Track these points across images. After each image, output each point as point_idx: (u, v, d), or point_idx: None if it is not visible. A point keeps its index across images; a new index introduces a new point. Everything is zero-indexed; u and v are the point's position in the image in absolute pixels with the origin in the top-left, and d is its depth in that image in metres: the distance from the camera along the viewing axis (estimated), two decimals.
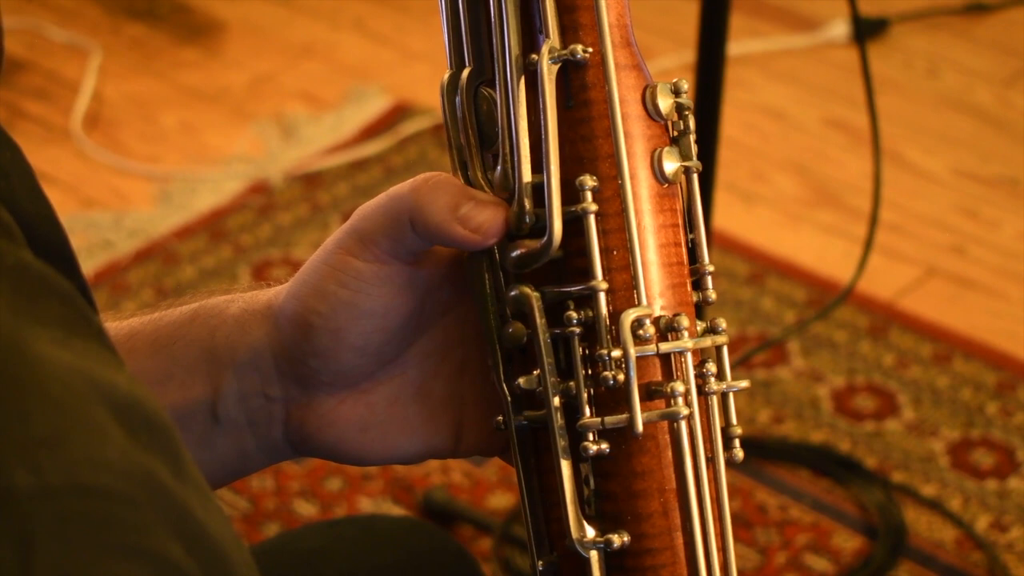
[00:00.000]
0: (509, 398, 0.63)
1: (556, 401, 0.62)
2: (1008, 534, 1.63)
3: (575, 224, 0.61)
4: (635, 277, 0.61)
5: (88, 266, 1.99)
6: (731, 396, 0.63)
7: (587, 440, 0.61)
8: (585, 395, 0.61)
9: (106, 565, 0.40)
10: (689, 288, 0.63)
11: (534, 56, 0.61)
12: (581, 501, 0.62)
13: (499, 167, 0.63)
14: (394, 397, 0.66)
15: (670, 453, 0.62)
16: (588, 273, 0.61)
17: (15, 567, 0.39)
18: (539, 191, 0.61)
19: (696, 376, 0.62)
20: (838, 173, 2.17)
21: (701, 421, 0.62)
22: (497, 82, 0.62)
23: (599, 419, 0.61)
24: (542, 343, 0.62)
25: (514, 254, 0.62)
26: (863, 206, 1.91)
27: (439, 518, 1.64)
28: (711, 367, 0.63)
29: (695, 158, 0.63)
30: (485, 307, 0.63)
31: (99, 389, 0.43)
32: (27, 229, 0.49)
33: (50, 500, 0.40)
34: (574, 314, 0.61)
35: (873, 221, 1.62)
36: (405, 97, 2.33)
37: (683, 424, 0.61)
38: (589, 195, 0.61)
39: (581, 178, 0.61)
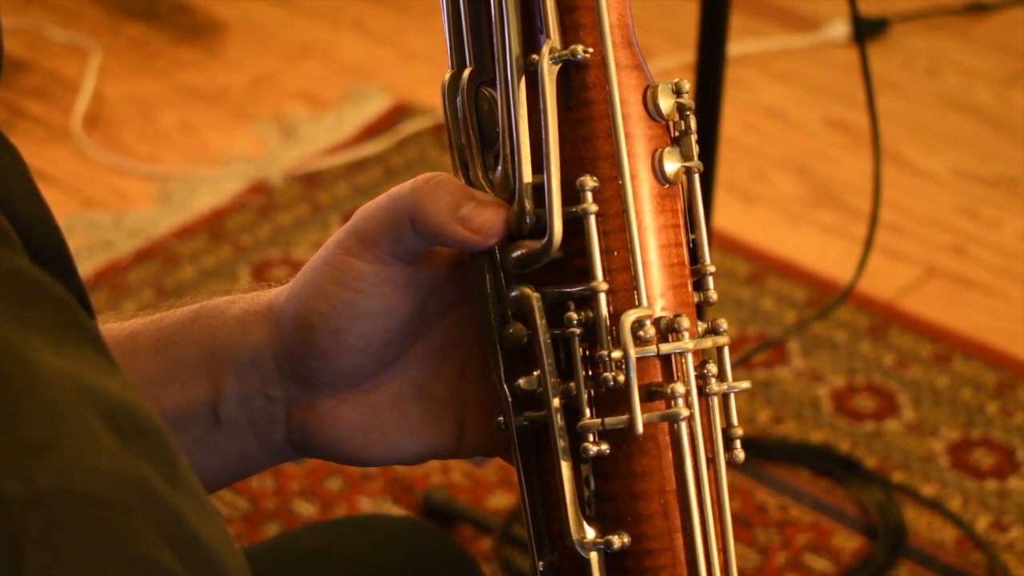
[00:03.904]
0: (510, 398, 0.63)
1: (556, 402, 0.62)
2: (1008, 534, 1.63)
3: (575, 224, 0.61)
4: (636, 278, 0.61)
5: (88, 266, 1.99)
6: (732, 397, 0.63)
7: (587, 441, 0.61)
8: (585, 396, 0.61)
9: (96, 571, 0.40)
10: (690, 289, 0.63)
11: (535, 56, 0.61)
12: (581, 502, 0.62)
13: (500, 167, 0.63)
14: (395, 398, 0.66)
15: (670, 454, 0.62)
16: (588, 274, 0.61)
17: (5, 573, 0.39)
18: (540, 191, 0.61)
19: (697, 377, 0.62)
20: (838, 173, 2.17)
21: (702, 422, 0.62)
22: (498, 82, 0.62)
23: (599, 420, 0.61)
24: (542, 344, 0.62)
25: (515, 254, 0.62)
26: (863, 206, 1.91)
27: (439, 518, 1.64)
28: (712, 368, 0.63)
29: (696, 158, 0.63)
30: (486, 307, 0.63)
31: (91, 395, 0.43)
32: (24, 233, 0.49)
33: (40, 506, 0.40)
34: (574, 315, 0.61)
35: (873, 221, 1.62)
36: (405, 97, 2.33)
37: (683, 425, 0.61)
38: (590, 195, 0.61)
39: (582, 178, 0.61)
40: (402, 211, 0.62)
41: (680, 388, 0.61)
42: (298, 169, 2.19)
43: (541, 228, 0.61)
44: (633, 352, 0.60)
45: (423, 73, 2.38)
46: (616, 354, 0.60)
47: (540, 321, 0.62)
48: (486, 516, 1.64)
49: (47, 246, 0.51)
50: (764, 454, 1.71)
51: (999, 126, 2.27)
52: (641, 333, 0.61)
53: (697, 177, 0.63)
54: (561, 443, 0.62)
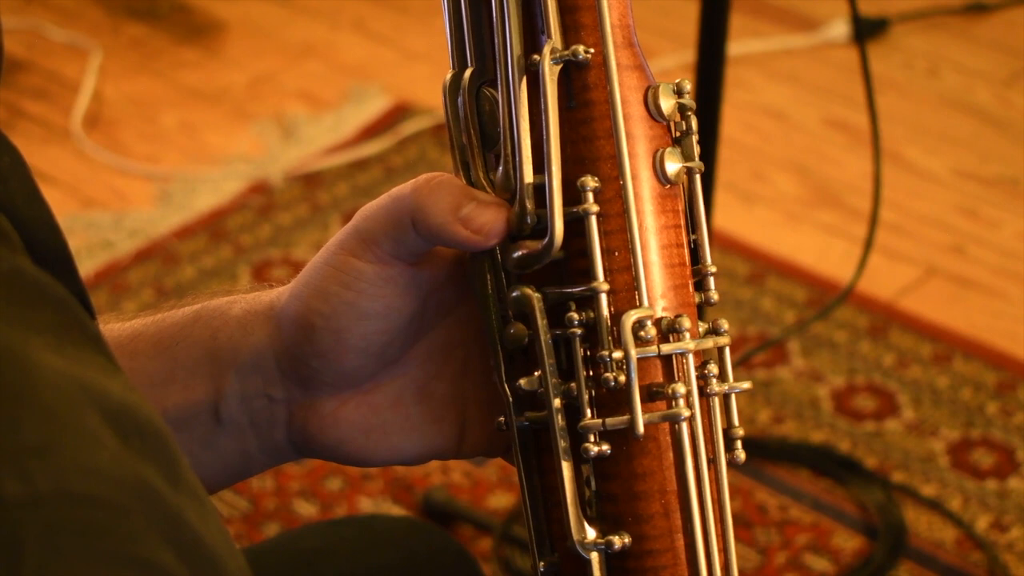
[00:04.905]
0: (511, 399, 0.63)
1: (557, 402, 0.62)
2: (1008, 534, 1.63)
3: (576, 225, 0.61)
4: (636, 278, 0.61)
5: (88, 266, 1.99)
6: (733, 397, 0.63)
7: (588, 441, 0.61)
8: (586, 396, 0.61)
9: (95, 573, 0.40)
10: (691, 289, 0.63)
11: (536, 56, 0.61)
12: (582, 502, 0.62)
13: (501, 167, 0.63)
14: (396, 398, 0.66)
15: (671, 455, 0.62)
16: (589, 274, 0.61)
17: (4, 575, 0.39)
18: (541, 192, 0.61)
19: (698, 377, 0.62)
20: (838, 173, 2.17)
21: (703, 422, 0.62)
22: (499, 82, 0.62)
23: (600, 420, 0.61)
24: (543, 344, 0.62)
25: (516, 255, 0.62)
26: (863, 206, 1.91)
27: (439, 518, 1.64)
28: (713, 368, 0.63)
29: (697, 159, 0.63)
30: (487, 308, 0.63)
31: (91, 396, 0.43)
32: (25, 234, 0.49)
33: (40, 508, 0.40)
34: (575, 315, 0.61)
35: (873, 221, 1.62)
36: (405, 97, 2.32)
37: (684, 426, 0.61)
38: (591, 196, 0.61)
39: (583, 179, 0.61)
40: (403, 211, 0.62)
41: (681, 388, 0.61)
42: (298, 169, 2.19)
43: (542, 228, 0.61)
44: (634, 352, 0.60)
45: (423, 73, 2.38)
46: (617, 354, 0.60)
47: (541, 321, 0.62)
48: (486, 516, 1.64)
49: (48, 247, 0.51)
50: (764, 454, 1.71)
51: (999, 126, 2.27)
52: (642, 333, 0.61)
53: (698, 177, 0.63)
54: (562, 443, 0.62)
